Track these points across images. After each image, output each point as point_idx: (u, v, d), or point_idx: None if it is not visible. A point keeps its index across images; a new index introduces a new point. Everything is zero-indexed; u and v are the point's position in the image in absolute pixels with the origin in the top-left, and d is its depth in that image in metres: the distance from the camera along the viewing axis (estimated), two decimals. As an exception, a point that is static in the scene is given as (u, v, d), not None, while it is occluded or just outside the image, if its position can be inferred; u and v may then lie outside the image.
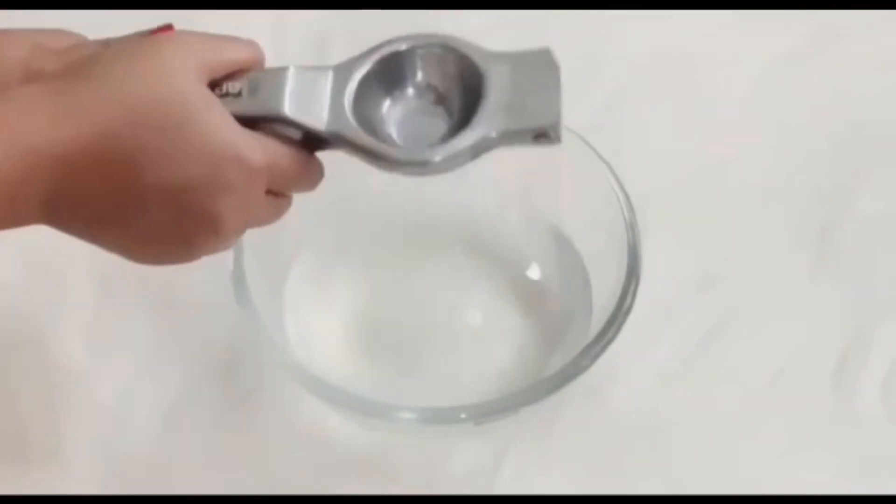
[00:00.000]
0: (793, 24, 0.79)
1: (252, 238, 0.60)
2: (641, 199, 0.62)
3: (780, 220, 0.71)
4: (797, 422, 0.64)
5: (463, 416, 0.57)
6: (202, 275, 0.67)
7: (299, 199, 0.64)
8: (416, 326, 0.65)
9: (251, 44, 0.51)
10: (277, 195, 0.52)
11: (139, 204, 0.47)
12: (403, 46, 0.53)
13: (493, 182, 0.68)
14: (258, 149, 0.48)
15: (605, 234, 0.62)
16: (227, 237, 0.50)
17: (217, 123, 0.47)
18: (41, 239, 0.69)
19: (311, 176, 0.53)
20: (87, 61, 0.48)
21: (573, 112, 0.67)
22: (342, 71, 0.52)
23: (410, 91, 0.53)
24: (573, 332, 0.62)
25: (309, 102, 0.50)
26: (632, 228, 0.61)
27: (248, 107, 0.49)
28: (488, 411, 0.57)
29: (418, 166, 0.51)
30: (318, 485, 0.61)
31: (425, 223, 0.67)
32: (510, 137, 0.51)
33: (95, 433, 0.63)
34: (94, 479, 0.62)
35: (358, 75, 0.52)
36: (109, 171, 0.46)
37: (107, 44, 0.52)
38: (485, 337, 0.66)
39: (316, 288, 0.66)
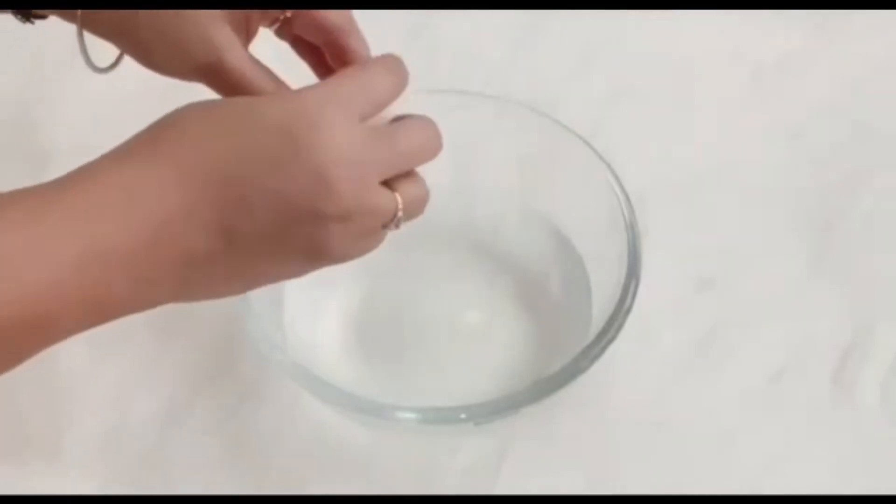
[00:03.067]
0: (793, 24, 0.79)
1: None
2: (641, 199, 0.62)
3: (780, 220, 0.71)
4: (797, 422, 0.64)
5: (463, 416, 0.57)
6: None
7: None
8: (416, 326, 0.65)
9: (399, 76, 0.52)
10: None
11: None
12: None
13: (493, 182, 0.68)
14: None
15: (605, 234, 0.62)
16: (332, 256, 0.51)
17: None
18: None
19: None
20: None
21: (573, 112, 0.67)
22: None
23: None
24: (573, 332, 0.62)
25: None
26: (632, 228, 0.61)
27: None
28: (488, 411, 0.57)
29: None
30: (318, 485, 0.61)
31: (425, 223, 0.67)
32: None
33: (95, 433, 0.63)
34: (94, 479, 0.62)
35: None
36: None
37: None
38: (485, 337, 0.66)
39: (316, 288, 0.65)
